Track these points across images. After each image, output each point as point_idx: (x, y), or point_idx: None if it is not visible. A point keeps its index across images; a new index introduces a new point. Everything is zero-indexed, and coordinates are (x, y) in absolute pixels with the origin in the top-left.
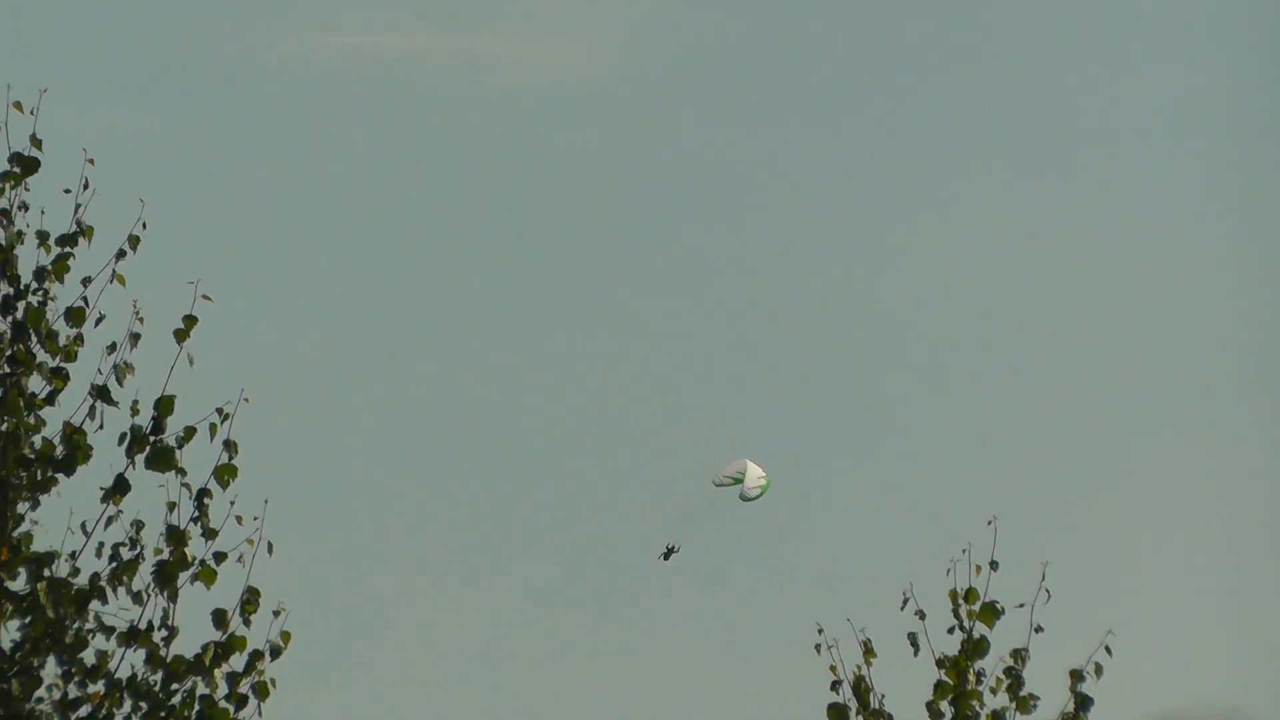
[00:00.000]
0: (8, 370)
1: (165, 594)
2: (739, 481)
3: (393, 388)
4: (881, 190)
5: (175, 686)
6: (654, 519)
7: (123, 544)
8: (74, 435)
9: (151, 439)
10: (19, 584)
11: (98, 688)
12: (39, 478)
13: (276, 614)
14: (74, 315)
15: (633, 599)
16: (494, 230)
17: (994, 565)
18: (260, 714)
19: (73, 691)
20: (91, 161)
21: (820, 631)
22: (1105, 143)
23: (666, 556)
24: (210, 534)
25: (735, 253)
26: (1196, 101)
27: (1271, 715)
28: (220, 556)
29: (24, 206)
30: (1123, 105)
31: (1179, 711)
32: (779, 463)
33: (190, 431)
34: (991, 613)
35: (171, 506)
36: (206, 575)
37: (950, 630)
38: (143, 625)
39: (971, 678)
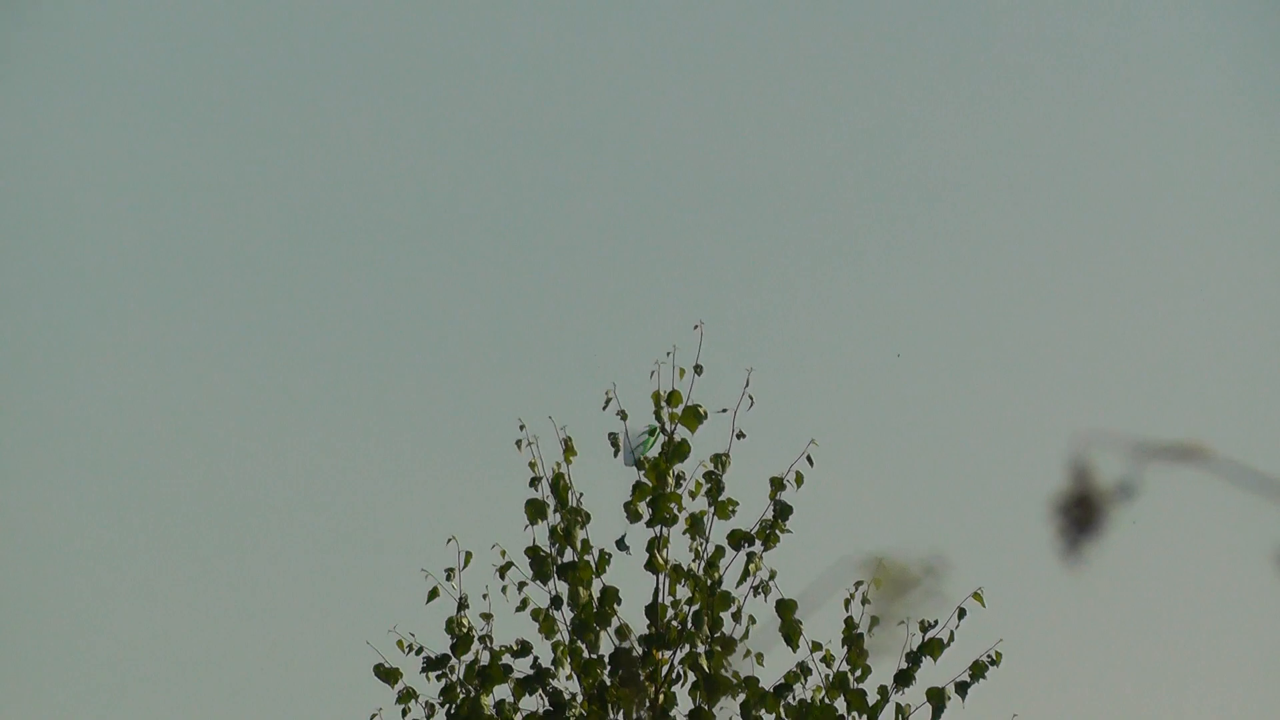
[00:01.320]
0: None
1: None
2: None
3: None
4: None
5: None
6: None
7: None
8: None
9: None
10: None
11: None
12: None
13: None
14: None
15: (327, 384)
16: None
17: (698, 369)
18: None
19: None
20: None
21: (522, 428)
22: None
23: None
24: None
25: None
26: None
27: (975, 560)
28: None
29: None
30: None
31: (880, 555)
32: (484, 259)
33: None
34: (694, 416)
35: None
36: None
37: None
38: None
39: (671, 480)
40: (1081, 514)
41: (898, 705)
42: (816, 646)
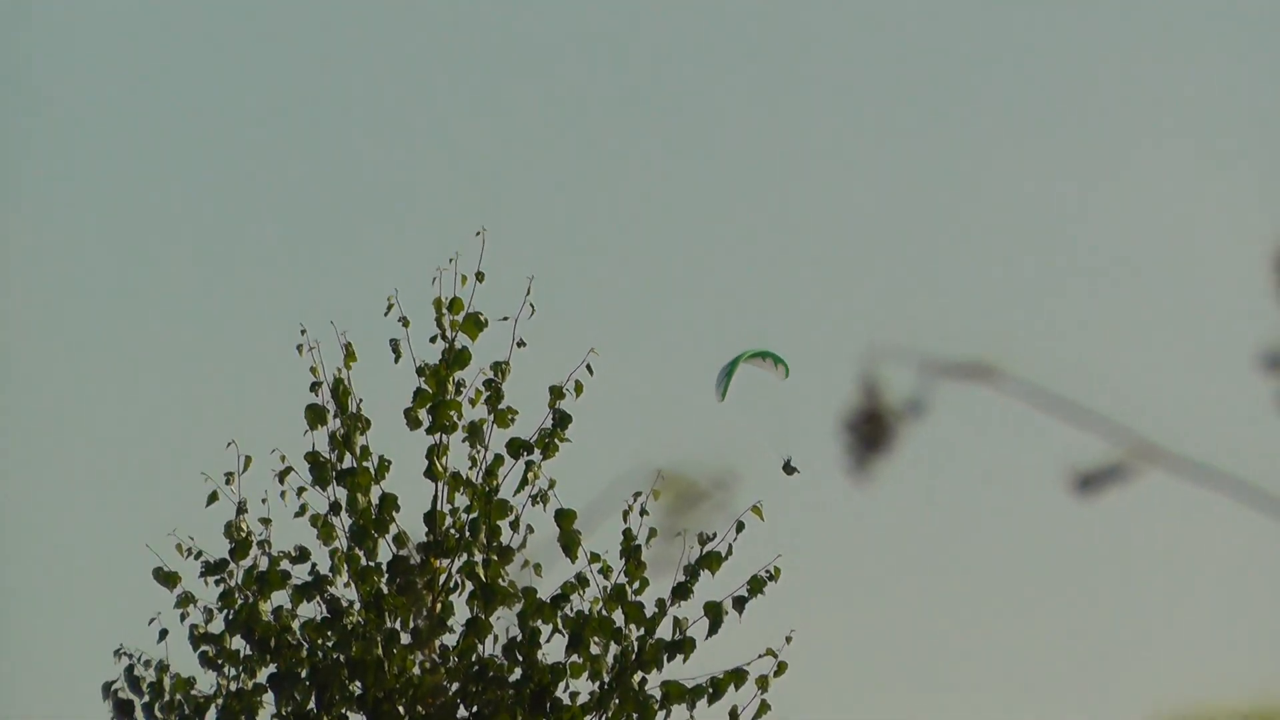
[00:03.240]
0: None
1: None
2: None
3: None
4: None
5: None
6: None
7: None
8: None
9: None
10: None
11: None
12: None
13: None
14: None
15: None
16: None
17: (480, 276)
18: None
19: None
20: None
21: (303, 332)
22: None
23: (788, 470)
24: None
25: None
26: None
27: (759, 473)
28: None
29: None
30: None
31: (667, 468)
32: (267, 163)
33: None
34: (475, 324)
35: None
36: None
37: (432, 339)
38: None
39: (451, 387)
40: (870, 430)
41: (675, 619)
42: (595, 558)
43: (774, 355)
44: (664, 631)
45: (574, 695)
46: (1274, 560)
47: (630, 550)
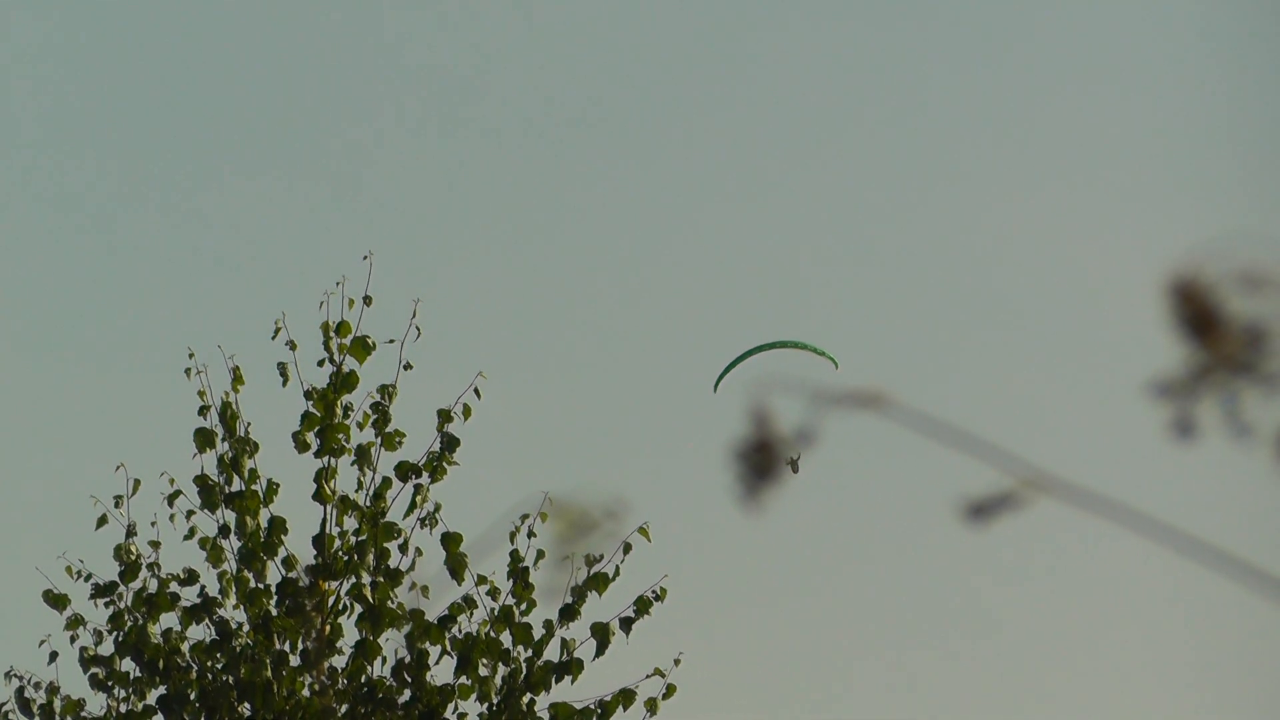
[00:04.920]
0: None
1: None
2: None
3: None
4: None
5: None
6: None
7: None
8: None
9: None
10: None
11: None
12: None
13: None
14: None
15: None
16: None
17: (367, 300)
18: None
19: None
20: None
21: (191, 356)
22: None
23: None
24: None
25: None
26: None
27: (652, 503)
28: None
29: None
30: None
31: (557, 495)
32: (154, 185)
33: None
34: (362, 347)
35: None
36: None
37: (320, 363)
38: None
39: (339, 411)
40: (760, 460)
41: (563, 640)
42: (482, 580)
43: (814, 347)
44: (552, 653)
45: (463, 716)
46: (1165, 585)
47: (518, 572)
